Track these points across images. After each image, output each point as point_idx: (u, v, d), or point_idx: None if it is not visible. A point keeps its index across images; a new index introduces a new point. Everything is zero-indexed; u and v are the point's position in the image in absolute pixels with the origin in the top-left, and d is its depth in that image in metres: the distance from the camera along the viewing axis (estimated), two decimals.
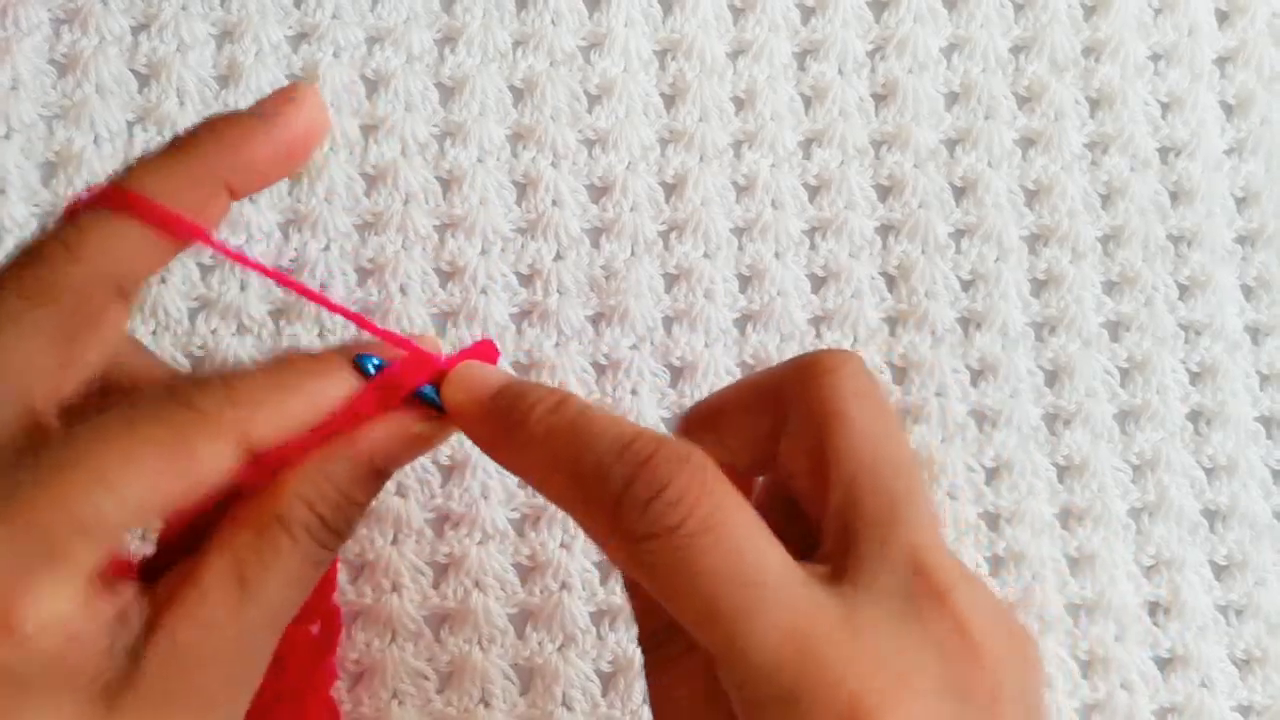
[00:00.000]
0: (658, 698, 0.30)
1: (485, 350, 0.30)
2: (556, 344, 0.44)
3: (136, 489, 0.25)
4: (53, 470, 0.25)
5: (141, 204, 0.27)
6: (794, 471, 0.30)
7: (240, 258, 0.30)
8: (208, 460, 0.26)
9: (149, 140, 0.44)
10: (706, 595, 0.25)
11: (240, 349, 0.43)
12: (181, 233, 0.27)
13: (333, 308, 0.30)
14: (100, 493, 0.24)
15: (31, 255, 0.27)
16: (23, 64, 0.44)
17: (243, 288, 0.44)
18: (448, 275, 0.45)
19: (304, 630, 0.37)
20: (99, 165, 0.44)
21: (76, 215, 0.27)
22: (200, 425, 0.26)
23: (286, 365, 0.28)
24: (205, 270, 0.44)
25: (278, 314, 0.44)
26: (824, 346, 0.45)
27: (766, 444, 0.30)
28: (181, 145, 0.28)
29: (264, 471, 0.27)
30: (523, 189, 0.45)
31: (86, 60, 0.45)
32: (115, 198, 0.27)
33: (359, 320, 0.30)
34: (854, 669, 0.25)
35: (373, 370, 0.28)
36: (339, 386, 0.28)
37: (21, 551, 0.24)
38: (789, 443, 0.30)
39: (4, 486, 0.25)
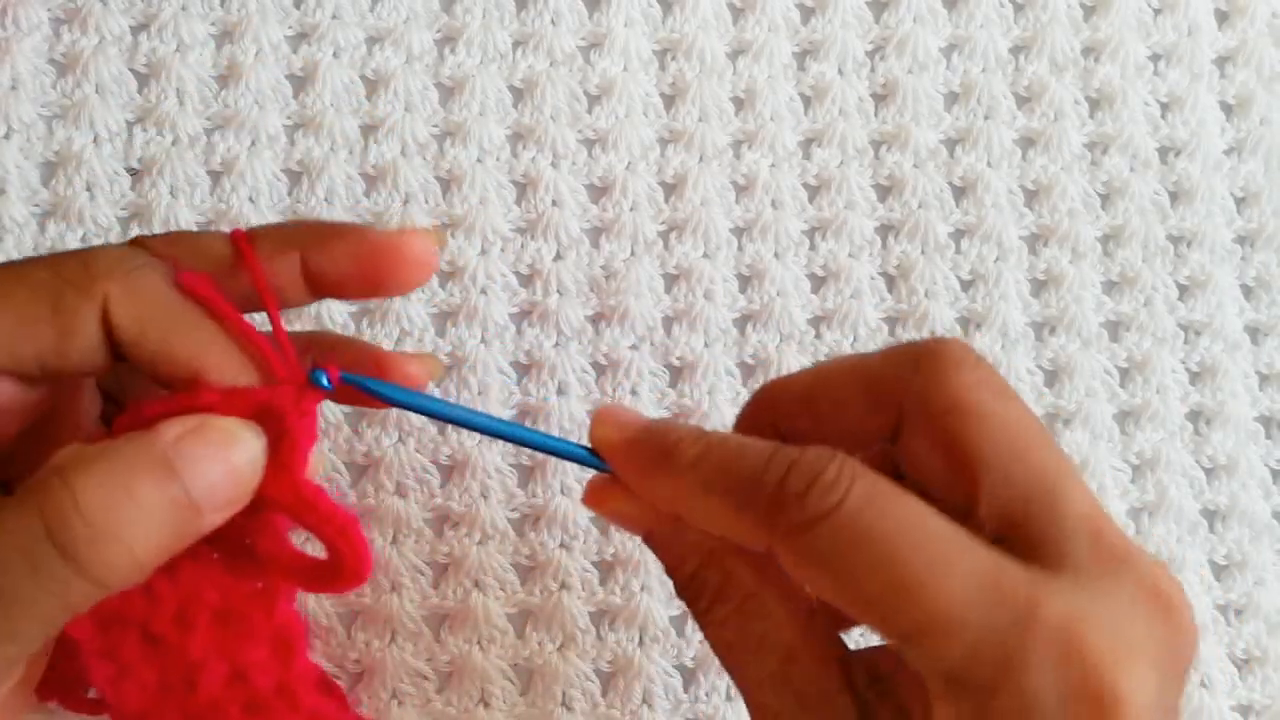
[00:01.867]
0: (718, 644, 0.31)
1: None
2: (556, 344, 0.44)
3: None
4: None
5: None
6: (922, 466, 0.29)
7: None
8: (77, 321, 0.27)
9: (148, 140, 0.44)
10: (885, 563, 0.25)
11: None
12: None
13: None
14: None
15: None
16: (22, 64, 0.44)
17: None
18: (447, 275, 0.45)
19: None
20: (99, 165, 0.44)
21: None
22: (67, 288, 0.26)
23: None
24: None
25: None
26: (826, 349, 0.45)
27: (875, 439, 0.30)
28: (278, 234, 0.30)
29: (137, 420, 0.27)
30: (523, 189, 0.45)
31: (86, 60, 0.45)
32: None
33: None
34: (1071, 615, 0.25)
35: (325, 384, 0.29)
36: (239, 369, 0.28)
37: None
38: (914, 439, 0.29)
39: None
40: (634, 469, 0.30)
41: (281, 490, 0.28)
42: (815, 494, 0.26)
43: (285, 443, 0.28)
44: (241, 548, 0.29)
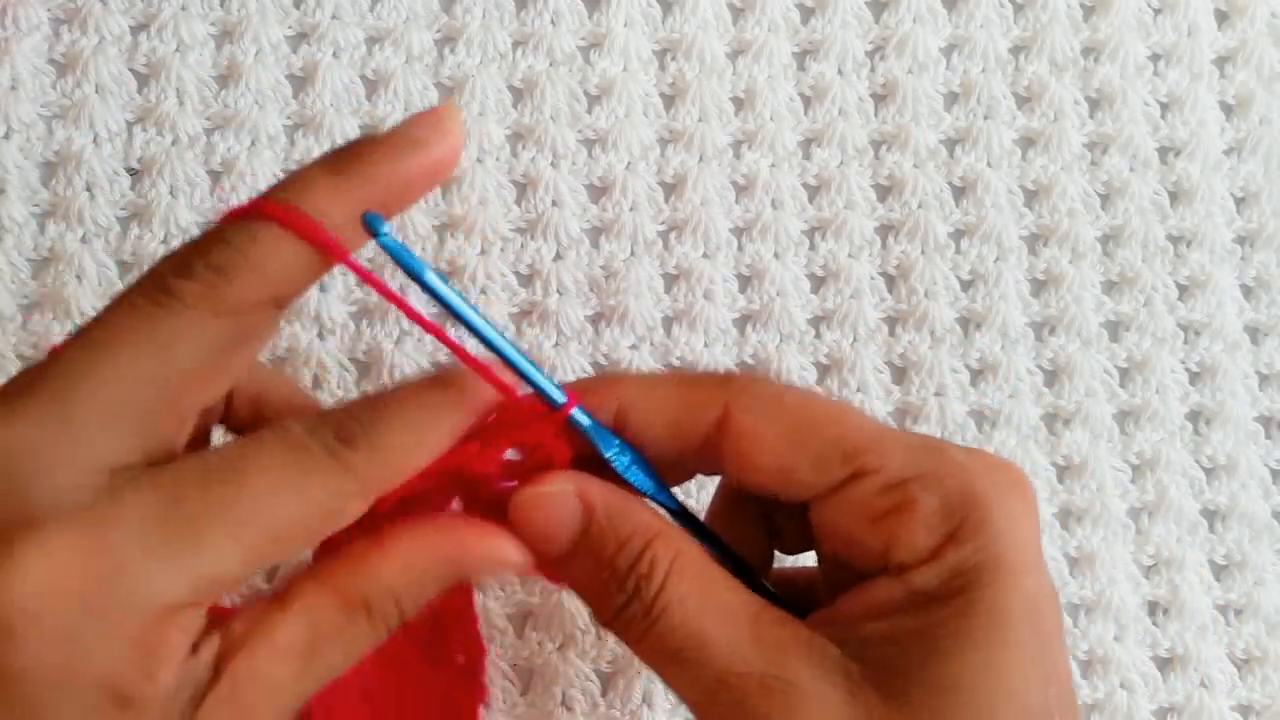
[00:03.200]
0: (674, 633, 0.30)
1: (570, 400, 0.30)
2: (556, 344, 0.44)
3: (282, 532, 0.26)
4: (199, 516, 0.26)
5: (306, 224, 0.27)
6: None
7: (381, 287, 0.30)
8: (349, 516, 0.27)
9: (148, 140, 0.44)
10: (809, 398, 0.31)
11: None
12: (333, 255, 0.28)
13: (461, 353, 0.30)
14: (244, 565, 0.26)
15: (211, 260, 0.27)
16: (22, 64, 0.44)
17: None
18: (447, 275, 0.45)
19: (450, 660, 0.38)
20: (98, 165, 0.44)
21: (244, 222, 0.27)
22: (350, 486, 0.27)
23: (427, 404, 0.29)
24: None
25: None
26: (825, 349, 0.45)
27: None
28: (339, 165, 0.28)
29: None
30: (522, 189, 0.45)
31: (86, 60, 0.45)
32: (282, 214, 0.27)
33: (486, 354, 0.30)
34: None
35: (559, 399, 0.29)
36: (463, 421, 0.29)
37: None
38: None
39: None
40: (583, 388, 0.31)
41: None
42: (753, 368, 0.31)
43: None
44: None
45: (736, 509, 0.33)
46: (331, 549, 0.29)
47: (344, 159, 0.29)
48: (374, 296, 0.44)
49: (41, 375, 0.26)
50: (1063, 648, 0.29)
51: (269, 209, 0.27)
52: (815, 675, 0.28)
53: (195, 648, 0.26)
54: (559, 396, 0.30)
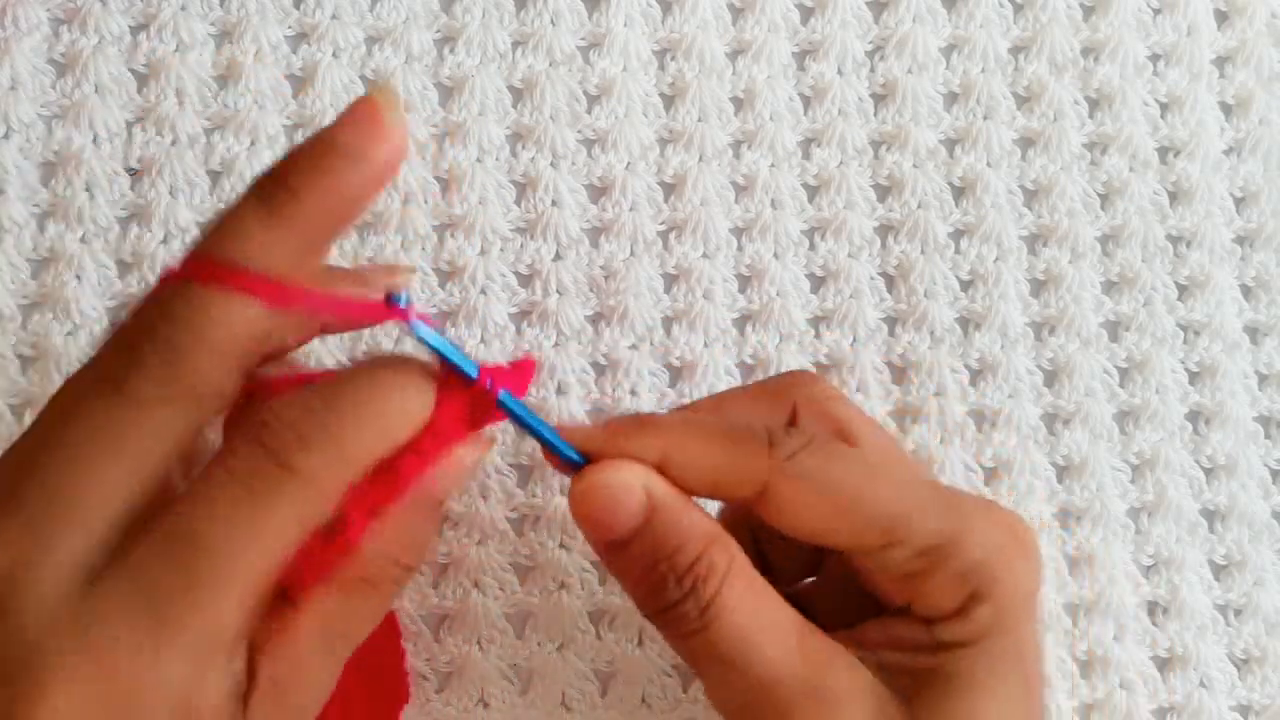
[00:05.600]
0: (717, 644, 0.31)
1: (526, 368, 0.30)
2: (556, 344, 0.44)
3: (259, 566, 0.26)
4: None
5: (247, 279, 0.26)
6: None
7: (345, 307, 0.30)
8: (308, 525, 0.26)
9: (148, 140, 0.44)
10: (866, 472, 0.31)
11: None
12: (289, 304, 0.26)
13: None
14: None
15: (159, 343, 0.26)
16: (22, 64, 0.44)
17: None
18: (447, 275, 0.45)
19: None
20: (98, 165, 0.44)
21: (182, 287, 0.26)
22: (314, 494, 0.26)
23: (380, 393, 0.27)
24: None
25: None
26: (825, 349, 0.45)
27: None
28: (270, 203, 0.27)
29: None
30: (522, 189, 0.45)
31: (85, 60, 0.45)
32: (221, 273, 0.26)
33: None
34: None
35: (472, 374, 0.28)
36: (422, 411, 0.28)
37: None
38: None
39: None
40: (621, 433, 0.30)
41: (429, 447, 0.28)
42: (798, 431, 0.31)
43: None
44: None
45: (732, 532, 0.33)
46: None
47: (273, 193, 0.27)
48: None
49: (7, 489, 0.26)
50: (1041, 687, 0.32)
51: (205, 270, 0.26)
52: (853, 691, 0.30)
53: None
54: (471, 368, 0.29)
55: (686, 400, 0.44)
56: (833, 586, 0.35)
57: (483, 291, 0.44)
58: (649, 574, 0.30)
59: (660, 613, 0.30)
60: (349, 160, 0.27)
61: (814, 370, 0.45)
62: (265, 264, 0.26)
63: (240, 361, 0.27)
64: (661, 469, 0.30)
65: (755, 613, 0.30)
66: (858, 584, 0.33)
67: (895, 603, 0.32)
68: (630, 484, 0.30)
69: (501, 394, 0.29)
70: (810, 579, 0.37)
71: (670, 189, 0.46)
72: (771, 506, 0.30)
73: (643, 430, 0.30)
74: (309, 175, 0.27)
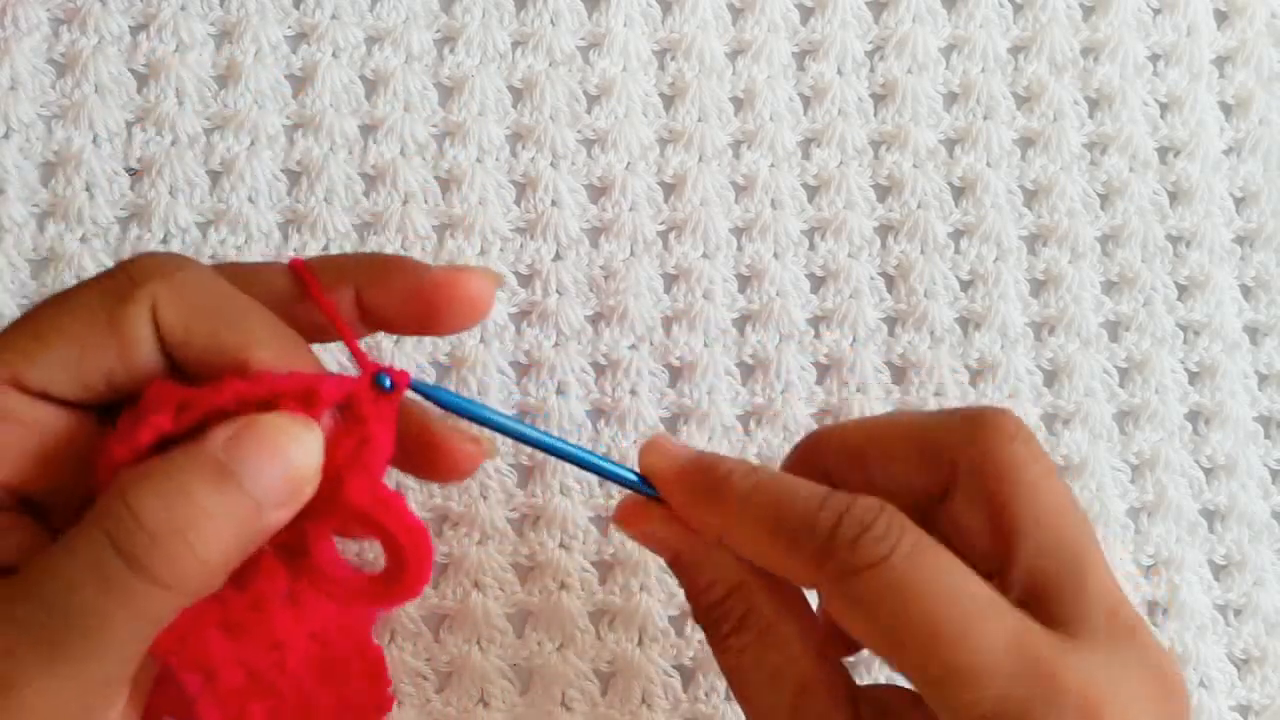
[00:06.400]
0: (732, 672, 0.32)
1: (399, 378, 0.29)
2: (556, 344, 0.44)
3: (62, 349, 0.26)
4: None
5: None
6: (963, 526, 0.31)
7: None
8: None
9: (148, 140, 0.44)
10: (925, 614, 0.27)
11: None
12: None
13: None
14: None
15: None
16: (22, 64, 0.44)
17: None
18: None
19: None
20: (98, 165, 0.44)
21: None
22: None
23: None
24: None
25: None
26: (825, 349, 0.45)
27: (924, 498, 0.32)
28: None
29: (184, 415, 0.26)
30: (522, 189, 0.45)
31: (85, 60, 0.45)
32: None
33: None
34: (1088, 682, 0.27)
35: (387, 385, 0.28)
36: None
37: None
38: (963, 504, 0.31)
39: None
40: (685, 497, 0.31)
41: (358, 493, 0.27)
42: (866, 543, 0.28)
43: (365, 445, 0.27)
44: (303, 555, 0.28)
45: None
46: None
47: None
48: None
49: None
50: None
51: None
52: None
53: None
54: (643, 487, 0.32)
55: (686, 401, 0.44)
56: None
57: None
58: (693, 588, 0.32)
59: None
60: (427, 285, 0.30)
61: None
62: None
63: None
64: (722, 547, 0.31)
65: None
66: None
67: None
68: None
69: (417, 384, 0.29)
70: None
71: (670, 189, 0.46)
72: (832, 618, 0.30)
73: (710, 500, 0.31)
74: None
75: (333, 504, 0.27)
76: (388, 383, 0.28)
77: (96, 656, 0.25)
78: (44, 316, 0.27)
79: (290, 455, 0.26)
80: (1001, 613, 0.28)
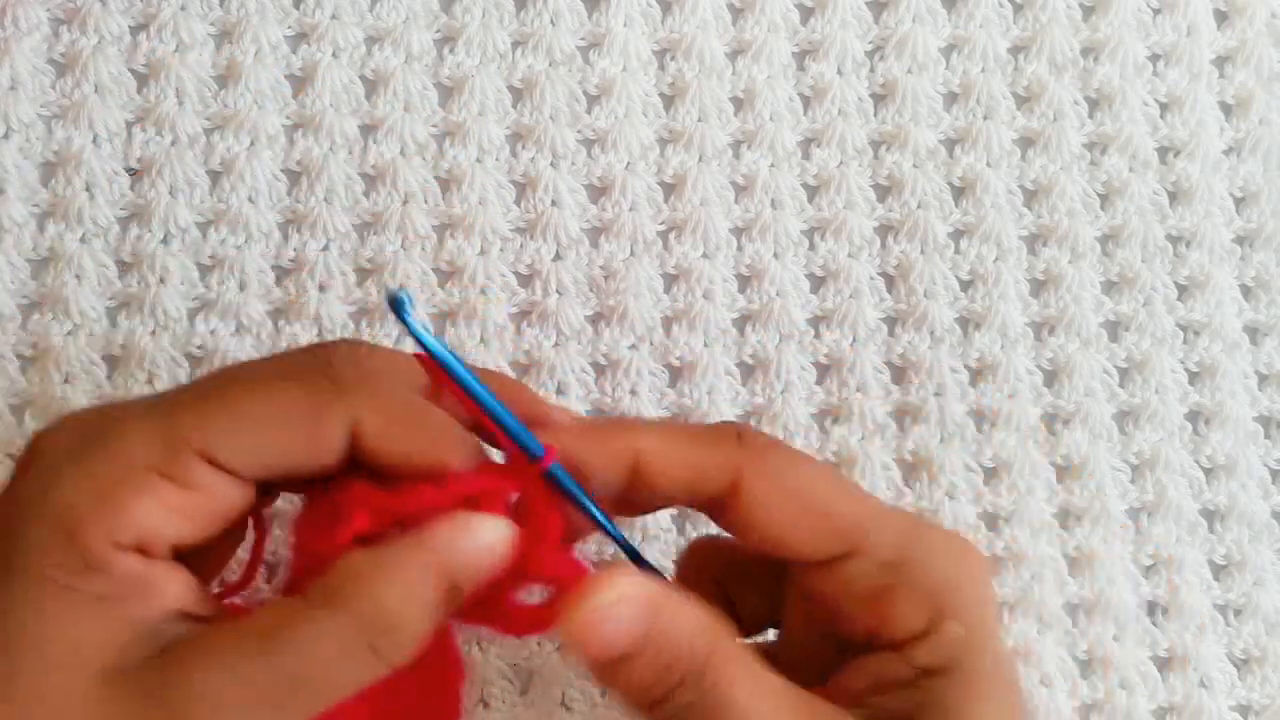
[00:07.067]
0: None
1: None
2: (555, 344, 0.44)
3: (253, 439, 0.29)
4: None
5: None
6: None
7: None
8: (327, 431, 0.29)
9: (148, 140, 0.44)
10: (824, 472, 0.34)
11: (239, 349, 0.43)
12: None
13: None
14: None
15: None
16: (21, 63, 0.44)
17: (241, 287, 0.44)
18: (447, 275, 0.45)
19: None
20: (97, 165, 0.44)
21: None
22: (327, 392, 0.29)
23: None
24: (204, 270, 0.44)
25: (276, 314, 0.44)
26: (825, 349, 0.45)
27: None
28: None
29: (377, 518, 0.29)
30: (522, 189, 0.45)
31: (85, 60, 0.45)
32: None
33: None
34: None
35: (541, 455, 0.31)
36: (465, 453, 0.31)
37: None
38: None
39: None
40: (594, 431, 0.32)
41: (544, 567, 0.30)
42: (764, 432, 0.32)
43: (537, 526, 0.30)
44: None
45: (698, 586, 0.33)
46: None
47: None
48: (374, 295, 0.44)
49: None
50: (1023, 700, 0.34)
51: None
52: None
53: (184, 615, 0.29)
54: (537, 449, 0.31)
55: (687, 401, 0.44)
56: (798, 637, 0.35)
57: (482, 291, 0.44)
58: (644, 681, 0.30)
59: (664, 714, 0.30)
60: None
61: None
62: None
63: None
64: (638, 466, 0.31)
65: (763, 696, 0.30)
66: (822, 627, 0.33)
67: (862, 632, 0.32)
68: (621, 601, 0.29)
69: (553, 467, 0.31)
70: (773, 638, 0.37)
71: (670, 189, 0.46)
72: (741, 506, 0.31)
73: (619, 429, 0.33)
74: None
75: (520, 574, 0.30)
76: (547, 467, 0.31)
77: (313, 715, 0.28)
78: (241, 396, 0.29)
79: (495, 548, 0.29)
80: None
